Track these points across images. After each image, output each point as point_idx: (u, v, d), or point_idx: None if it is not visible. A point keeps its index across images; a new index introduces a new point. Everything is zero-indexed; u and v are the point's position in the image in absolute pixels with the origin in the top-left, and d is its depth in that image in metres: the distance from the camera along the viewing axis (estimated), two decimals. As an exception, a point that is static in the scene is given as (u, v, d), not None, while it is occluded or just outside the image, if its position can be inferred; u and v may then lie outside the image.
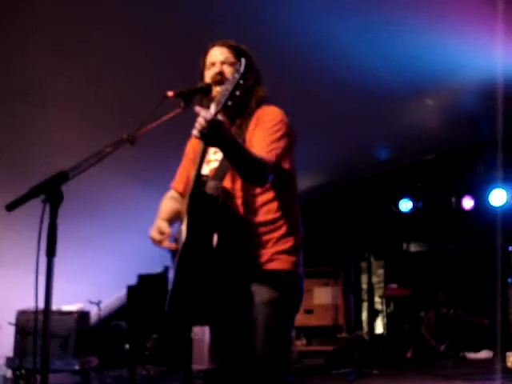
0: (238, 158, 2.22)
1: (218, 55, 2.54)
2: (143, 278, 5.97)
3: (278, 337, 2.36)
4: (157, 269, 6.18)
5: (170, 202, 2.63)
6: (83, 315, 6.54)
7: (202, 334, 6.39)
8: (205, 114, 2.02)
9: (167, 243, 2.37)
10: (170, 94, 2.36)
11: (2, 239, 6.78)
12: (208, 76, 2.53)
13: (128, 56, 5.30)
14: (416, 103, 7.13)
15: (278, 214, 2.42)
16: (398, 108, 7.06)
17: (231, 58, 2.52)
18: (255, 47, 2.65)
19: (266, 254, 2.36)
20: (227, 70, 2.49)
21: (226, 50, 2.54)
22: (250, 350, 2.35)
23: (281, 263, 2.37)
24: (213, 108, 2.07)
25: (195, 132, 2.06)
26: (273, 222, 2.40)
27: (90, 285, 7.49)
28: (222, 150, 2.19)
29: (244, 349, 2.38)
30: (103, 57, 5.23)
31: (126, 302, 6.22)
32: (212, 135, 2.06)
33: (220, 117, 2.07)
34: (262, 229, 2.38)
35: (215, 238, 2.18)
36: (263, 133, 2.40)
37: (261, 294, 2.33)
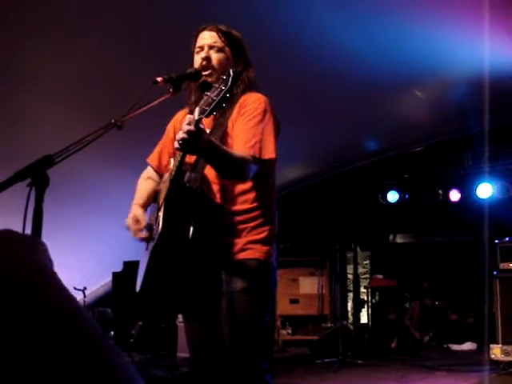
0: (217, 162, 2.24)
1: (206, 39, 2.53)
2: (128, 265, 5.95)
3: (251, 325, 2.36)
4: (143, 256, 6.15)
5: (146, 184, 2.65)
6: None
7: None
8: (186, 127, 2.00)
9: (141, 234, 2.38)
10: (159, 79, 2.35)
11: (-14, 224, 6.72)
12: (196, 61, 2.52)
13: (117, 46, 5.25)
14: (405, 95, 7.13)
15: (254, 204, 2.43)
16: (387, 99, 7.05)
17: (219, 43, 2.52)
18: (244, 35, 2.63)
19: (240, 243, 2.38)
20: (214, 55, 2.50)
21: (214, 34, 2.53)
22: (224, 339, 2.36)
23: (254, 252, 2.38)
24: (196, 114, 2.04)
25: (175, 143, 2.06)
26: (249, 211, 2.41)
27: (75, 271, 7.45)
28: (201, 156, 2.21)
29: (218, 338, 2.40)
30: (92, 47, 5.17)
31: (111, 288, 6.19)
32: (191, 146, 2.06)
33: (201, 125, 2.05)
34: (238, 218, 2.40)
35: (191, 230, 2.19)
36: (246, 124, 2.39)
37: (233, 282, 2.34)
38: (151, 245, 2.30)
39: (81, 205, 7.20)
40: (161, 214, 2.24)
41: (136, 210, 2.46)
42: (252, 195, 2.42)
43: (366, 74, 6.18)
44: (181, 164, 2.25)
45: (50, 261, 0.77)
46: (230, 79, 2.02)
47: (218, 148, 2.18)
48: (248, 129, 2.37)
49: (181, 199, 2.24)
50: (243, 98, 2.47)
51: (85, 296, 6.89)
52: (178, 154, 2.24)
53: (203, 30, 2.56)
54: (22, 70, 5.26)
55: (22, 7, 4.68)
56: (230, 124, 2.42)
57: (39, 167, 1.93)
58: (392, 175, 10.31)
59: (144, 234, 2.37)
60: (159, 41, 5.18)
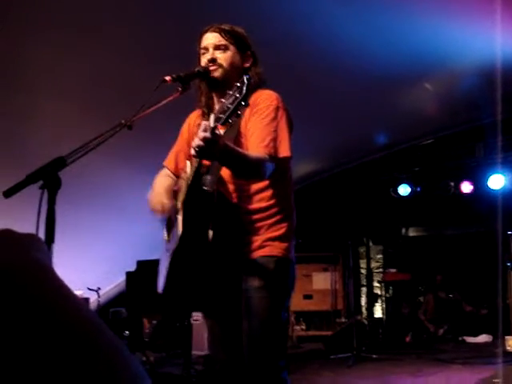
0: (233, 166, 2.26)
1: (209, 39, 2.53)
2: (142, 264, 5.96)
3: (269, 323, 2.37)
4: (155, 255, 6.16)
5: (164, 180, 2.64)
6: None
7: (201, 319, 6.39)
8: (202, 134, 2.00)
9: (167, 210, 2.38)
10: (168, 78, 2.35)
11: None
12: (203, 62, 2.52)
13: (127, 46, 5.26)
14: (415, 87, 7.10)
15: (271, 202, 2.43)
16: (397, 92, 7.02)
17: (223, 42, 2.52)
18: (252, 30, 2.62)
19: (258, 240, 2.39)
20: (220, 55, 2.50)
21: (217, 35, 2.53)
22: (244, 335, 2.38)
23: (272, 249, 2.39)
24: (212, 121, 2.03)
25: (192, 150, 2.06)
26: (266, 209, 2.42)
27: (88, 272, 7.49)
28: (218, 161, 2.22)
29: (238, 334, 2.41)
30: (102, 47, 5.19)
31: (125, 288, 6.21)
32: (208, 152, 2.07)
33: (217, 131, 2.04)
34: (255, 216, 2.41)
35: (210, 233, 2.21)
36: (260, 122, 2.38)
37: (252, 280, 2.36)
38: (171, 247, 2.31)
39: (93, 205, 7.22)
40: (180, 217, 2.25)
41: (163, 195, 2.45)
42: (268, 193, 2.43)
43: (376, 67, 6.16)
44: (198, 169, 2.25)
45: (49, 258, 0.77)
46: (245, 87, 1.99)
47: (234, 152, 2.19)
48: (262, 127, 2.36)
49: (199, 203, 2.26)
50: (254, 96, 2.45)
51: (99, 296, 6.92)
52: (195, 160, 2.23)
53: (206, 31, 2.56)
54: (32, 70, 5.28)
55: (33, 7, 4.70)
56: (243, 123, 2.41)
57: (51, 169, 1.93)
58: (403, 168, 10.26)
59: (167, 210, 2.37)
60: (168, 41, 5.18)
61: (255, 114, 2.40)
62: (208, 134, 1.99)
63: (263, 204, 2.42)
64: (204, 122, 2.04)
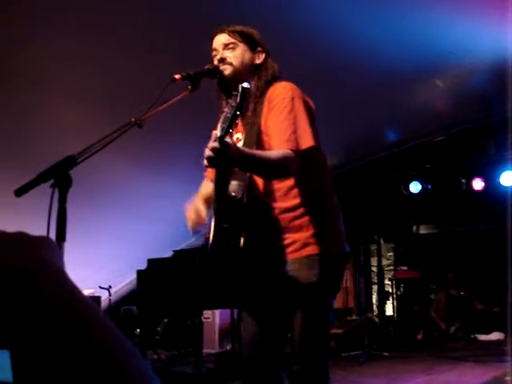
0: (254, 170, 2.23)
1: (218, 41, 2.54)
2: (153, 263, 5.97)
3: (318, 319, 2.38)
4: (166, 253, 6.19)
5: (209, 185, 2.60)
6: (93, 301, 6.56)
7: (212, 317, 6.40)
8: (210, 144, 2.00)
9: (197, 227, 2.40)
10: (177, 76, 2.35)
11: (10, 225, 6.79)
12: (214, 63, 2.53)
13: (136, 45, 5.27)
14: (426, 84, 7.07)
15: (304, 197, 2.39)
16: (408, 89, 6.99)
17: (232, 40, 2.52)
18: (266, 27, 2.62)
19: (301, 238, 2.36)
20: (229, 54, 2.50)
21: (225, 35, 2.53)
22: (294, 334, 2.38)
23: (313, 248, 2.36)
24: (218, 131, 2.02)
25: (204, 161, 2.06)
26: (300, 205, 2.39)
27: (99, 270, 7.52)
28: (237, 167, 2.20)
29: (275, 333, 2.46)
30: (115, 44, 5.20)
31: (135, 286, 6.23)
32: (219, 161, 2.04)
33: (227, 139, 2.01)
34: (292, 214, 2.38)
35: (242, 240, 2.18)
36: (277, 118, 2.34)
37: (300, 279, 2.34)
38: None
39: (104, 204, 7.24)
40: (212, 225, 2.26)
41: (198, 202, 2.46)
42: (300, 188, 2.40)
43: (386, 64, 6.14)
44: (219, 177, 2.23)
45: (61, 261, 0.77)
46: (239, 96, 2.00)
47: (252, 156, 2.16)
48: (280, 122, 2.32)
49: (228, 210, 2.24)
50: (270, 91, 2.43)
51: (110, 294, 6.94)
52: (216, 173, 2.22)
53: (215, 34, 2.56)
54: (40, 69, 5.30)
55: (41, 5, 4.72)
56: (262, 122, 2.39)
57: (62, 168, 1.94)
58: (414, 166, 10.22)
59: (199, 228, 2.40)
60: (179, 39, 5.19)
61: (272, 109, 2.37)
62: (216, 144, 1.97)
63: (298, 200, 2.38)
64: (214, 132, 2.03)
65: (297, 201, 2.38)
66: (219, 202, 2.24)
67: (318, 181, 2.46)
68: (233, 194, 2.24)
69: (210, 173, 2.67)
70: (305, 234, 2.36)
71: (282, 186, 2.39)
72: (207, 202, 2.48)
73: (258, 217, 2.30)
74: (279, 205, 2.38)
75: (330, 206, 2.47)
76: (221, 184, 2.22)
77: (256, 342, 2.50)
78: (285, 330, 2.46)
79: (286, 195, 2.39)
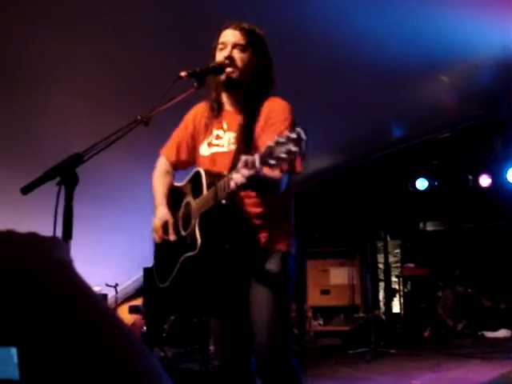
0: (260, 190, 2.37)
1: (229, 36, 2.53)
2: (159, 260, 5.96)
3: (279, 307, 2.46)
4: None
5: (165, 180, 2.73)
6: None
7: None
8: (246, 172, 2.03)
9: (170, 238, 2.48)
10: (183, 74, 2.36)
11: (17, 222, 6.80)
12: (218, 57, 2.52)
13: (142, 42, 5.27)
14: (431, 80, 7.04)
15: (275, 206, 2.51)
16: (414, 85, 6.97)
17: (242, 41, 2.52)
18: (270, 24, 2.61)
19: (266, 238, 2.48)
20: (237, 55, 2.50)
21: (237, 33, 2.53)
22: (258, 324, 2.46)
23: (279, 245, 2.50)
24: (257, 162, 2.00)
25: (232, 184, 2.11)
26: (272, 212, 2.50)
27: (106, 268, 7.52)
28: (250, 189, 2.31)
29: (241, 331, 2.57)
30: (116, 41, 5.20)
31: (142, 284, 6.23)
32: (246, 188, 2.18)
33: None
34: (261, 219, 2.49)
35: (227, 243, 2.36)
36: (273, 135, 2.38)
37: (262, 274, 2.46)
38: (181, 251, 2.39)
39: (110, 201, 7.25)
40: (197, 228, 2.32)
41: (166, 215, 2.54)
42: (268, 199, 2.49)
43: (391, 60, 6.12)
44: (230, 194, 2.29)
45: (71, 259, 0.77)
46: (303, 143, 1.95)
47: (264, 180, 2.22)
48: None
49: (218, 216, 2.34)
50: (268, 104, 2.49)
51: (117, 292, 6.95)
52: (227, 185, 2.21)
53: (226, 28, 2.56)
54: (45, 67, 5.30)
55: (45, 2, 4.72)
56: (256, 133, 2.45)
57: (68, 166, 1.94)
58: (420, 162, 10.20)
59: (172, 238, 2.47)
60: (183, 36, 5.18)
61: (271, 126, 2.42)
62: (253, 173, 2.02)
63: (269, 208, 2.49)
64: (246, 158, 2.03)
65: (264, 208, 2.49)
66: (212, 208, 2.31)
67: (287, 194, 2.54)
68: (223, 201, 2.30)
69: (171, 154, 2.76)
70: (268, 235, 2.49)
71: (253, 194, 2.47)
72: (168, 200, 2.62)
73: (239, 222, 2.43)
74: (252, 210, 2.48)
75: (290, 218, 2.61)
76: (225, 196, 2.27)
77: (224, 341, 2.63)
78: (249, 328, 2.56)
79: (257, 202, 2.48)
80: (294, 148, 1.94)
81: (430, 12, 5.47)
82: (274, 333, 2.44)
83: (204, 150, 2.60)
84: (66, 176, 1.92)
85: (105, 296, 6.96)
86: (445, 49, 6.13)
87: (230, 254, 2.38)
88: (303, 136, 1.95)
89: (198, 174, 2.44)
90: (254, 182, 2.09)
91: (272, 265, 2.46)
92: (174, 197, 2.62)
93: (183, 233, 2.46)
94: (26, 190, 1.94)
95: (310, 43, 5.49)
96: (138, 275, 8.08)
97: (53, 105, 5.76)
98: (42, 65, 5.27)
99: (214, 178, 2.34)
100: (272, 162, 1.96)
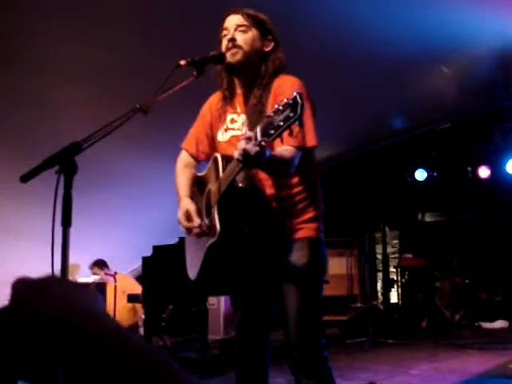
0: (271, 171, 2.32)
1: (231, 21, 2.54)
2: (158, 249, 5.97)
3: (311, 300, 2.47)
4: (171, 240, 6.19)
5: (187, 173, 2.68)
6: (99, 287, 6.59)
7: (217, 303, 6.42)
8: (251, 147, 1.98)
9: (194, 230, 2.44)
10: (183, 62, 2.35)
11: (17, 210, 6.82)
12: (223, 44, 2.52)
13: (141, 31, 5.25)
14: (432, 71, 7.03)
15: (300, 188, 2.48)
16: (414, 76, 6.95)
17: (245, 22, 2.51)
18: (270, 16, 2.61)
19: (292, 224, 2.46)
20: (240, 36, 2.49)
21: (239, 16, 2.53)
22: (287, 317, 2.45)
23: (306, 231, 2.47)
24: (258, 134, 1.98)
25: (237, 155, 2.04)
26: (296, 194, 2.48)
27: (105, 257, 7.54)
28: (259, 168, 2.26)
29: (264, 322, 2.59)
30: (116, 32, 5.18)
31: (141, 273, 6.25)
32: (254, 163, 2.08)
33: (263, 143, 2.01)
34: (286, 202, 2.47)
35: (248, 226, 2.30)
36: None
37: (292, 262, 2.43)
38: (207, 240, 2.36)
39: (109, 190, 7.26)
40: (216, 214, 2.30)
41: (187, 205, 2.51)
42: (297, 179, 2.48)
43: (392, 51, 6.10)
44: (238, 171, 2.23)
45: (101, 307, 0.79)
46: (299, 107, 1.93)
47: (274, 159, 2.20)
48: None
49: (234, 200, 2.31)
50: (277, 82, 2.47)
51: (116, 281, 6.96)
52: (236, 164, 2.18)
53: (229, 14, 2.56)
54: (45, 56, 5.28)
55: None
56: (268, 108, 2.38)
57: (67, 154, 1.94)
58: (420, 153, 10.20)
59: (197, 231, 2.44)
60: (183, 24, 5.16)
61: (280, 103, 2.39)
62: (258, 149, 1.98)
63: (293, 190, 2.47)
64: (249, 133, 2.01)
65: (292, 191, 2.47)
66: (228, 191, 2.28)
67: (312, 176, 2.55)
68: (240, 184, 2.29)
69: (191, 146, 2.73)
70: (296, 221, 2.46)
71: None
72: (191, 192, 2.59)
73: (260, 206, 2.39)
74: (277, 193, 2.46)
75: (319, 198, 2.59)
76: (234, 176, 2.24)
77: (246, 330, 2.62)
78: (270, 316, 2.59)
79: (283, 185, 2.46)
80: (290, 114, 1.93)
81: (430, 4, 5.45)
82: (305, 330, 2.45)
83: (222, 136, 2.60)
84: (65, 164, 1.92)
85: (103, 285, 6.98)
86: (445, 40, 6.12)
87: (252, 239, 2.33)
88: (299, 100, 1.93)
89: (215, 159, 2.43)
90: (263, 160, 2.06)
91: (300, 252, 2.44)
92: (199, 186, 2.61)
93: (206, 221, 2.43)
94: (25, 178, 1.94)
95: (311, 36, 5.48)
96: (136, 264, 8.10)
97: (50, 92, 5.75)
98: (41, 55, 5.26)
99: (229, 161, 2.30)
100: (272, 131, 1.96)
